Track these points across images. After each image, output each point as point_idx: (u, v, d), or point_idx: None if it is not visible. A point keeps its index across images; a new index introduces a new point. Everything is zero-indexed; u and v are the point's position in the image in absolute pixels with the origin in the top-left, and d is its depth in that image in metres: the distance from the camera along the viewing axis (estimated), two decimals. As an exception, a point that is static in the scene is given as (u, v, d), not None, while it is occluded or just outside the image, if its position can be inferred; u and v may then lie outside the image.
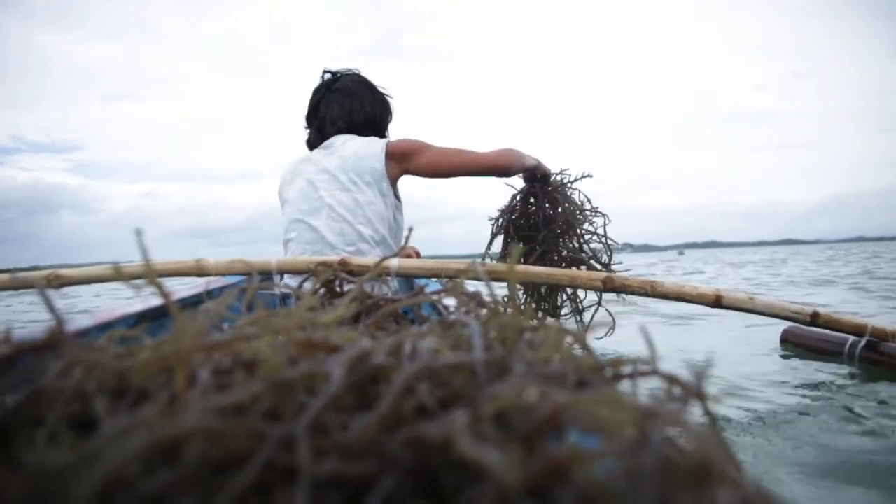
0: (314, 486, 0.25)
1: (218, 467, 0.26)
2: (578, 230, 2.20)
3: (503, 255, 2.22)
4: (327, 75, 2.20)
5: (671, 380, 0.28)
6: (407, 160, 2.00)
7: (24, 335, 0.49)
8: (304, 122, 2.23)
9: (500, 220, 2.29)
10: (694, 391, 0.26)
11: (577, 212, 2.21)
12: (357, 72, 2.22)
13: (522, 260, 2.09)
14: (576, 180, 2.27)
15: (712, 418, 0.30)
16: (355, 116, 2.11)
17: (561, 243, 2.17)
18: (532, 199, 2.26)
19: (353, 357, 0.34)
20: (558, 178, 2.26)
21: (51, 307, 0.45)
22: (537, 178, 2.22)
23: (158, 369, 0.41)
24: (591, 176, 2.28)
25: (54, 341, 0.42)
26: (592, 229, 2.22)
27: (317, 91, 2.18)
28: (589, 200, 2.25)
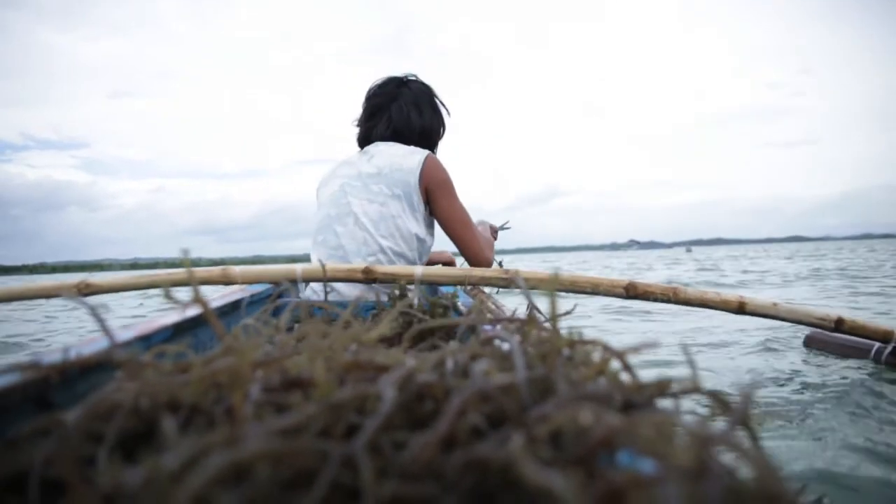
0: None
1: (283, 486, 0.27)
2: None
3: None
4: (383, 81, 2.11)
5: (720, 402, 0.29)
6: (430, 192, 1.95)
7: (75, 353, 0.51)
8: (354, 120, 2.16)
9: None
10: (742, 415, 0.27)
11: None
12: (420, 80, 2.14)
13: None
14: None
15: (755, 439, 0.30)
16: (413, 125, 2.05)
17: None
18: None
19: (401, 376, 0.35)
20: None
21: (103, 325, 0.47)
22: None
23: (209, 385, 0.42)
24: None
25: (109, 360, 0.43)
26: None
27: (379, 93, 2.10)
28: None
